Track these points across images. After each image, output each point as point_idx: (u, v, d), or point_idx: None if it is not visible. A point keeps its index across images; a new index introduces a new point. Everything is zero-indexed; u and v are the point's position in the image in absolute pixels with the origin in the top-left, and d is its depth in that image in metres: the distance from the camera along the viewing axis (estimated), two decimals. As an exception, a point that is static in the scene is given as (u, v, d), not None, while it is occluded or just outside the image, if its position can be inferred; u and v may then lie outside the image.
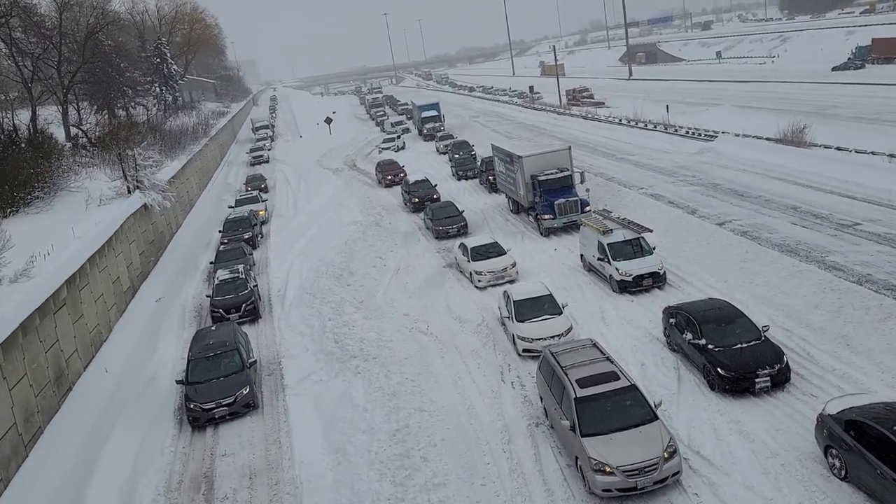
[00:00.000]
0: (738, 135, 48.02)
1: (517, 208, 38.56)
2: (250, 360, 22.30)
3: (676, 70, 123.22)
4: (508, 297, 23.68)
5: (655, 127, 58.98)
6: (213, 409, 20.34)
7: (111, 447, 19.36)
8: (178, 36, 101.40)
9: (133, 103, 66.83)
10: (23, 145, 37.21)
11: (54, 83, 50.71)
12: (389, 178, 51.05)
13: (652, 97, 79.40)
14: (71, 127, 51.21)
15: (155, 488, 17.74)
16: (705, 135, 51.60)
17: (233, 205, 47.50)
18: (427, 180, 44.96)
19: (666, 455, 14.75)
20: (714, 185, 37.58)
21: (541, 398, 18.66)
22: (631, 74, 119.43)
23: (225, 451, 19.20)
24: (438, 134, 68.45)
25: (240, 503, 16.82)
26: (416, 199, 42.56)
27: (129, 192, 36.07)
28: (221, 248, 36.29)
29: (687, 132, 54.22)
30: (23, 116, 45.98)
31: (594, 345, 18.58)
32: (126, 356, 25.49)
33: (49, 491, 17.40)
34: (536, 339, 21.61)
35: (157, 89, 79.20)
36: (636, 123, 62.56)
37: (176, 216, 45.05)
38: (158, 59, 79.75)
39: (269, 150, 79.14)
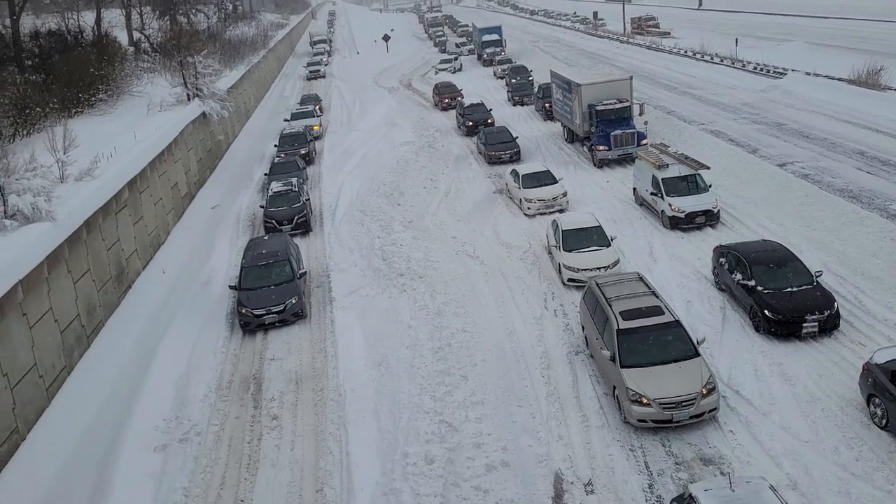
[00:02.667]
0: (808, 73, 45.88)
1: (572, 137, 37.92)
2: (300, 272, 22.86)
3: (750, 1, 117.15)
4: (557, 226, 23.61)
5: (722, 61, 56.71)
6: (264, 315, 21.05)
7: (167, 344, 20.32)
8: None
9: (194, 10, 66.81)
10: (88, 47, 37.73)
11: (118, -15, 50.93)
12: (447, 100, 50.35)
13: (721, 29, 76.00)
14: (134, 31, 51.64)
15: (207, 385, 18.63)
16: (774, 71, 49.46)
17: (288, 118, 47.72)
18: (482, 104, 44.37)
19: (704, 391, 14.86)
20: (778, 125, 36.26)
21: (582, 327, 18.83)
22: (701, 4, 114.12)
23: (273, 356, 19.97)
24: (497, 58, 66.94)
25: (286, 405, 17.58)
26: (470, 123, 42.12)
27: (189, 99, 36.52)
28: (276, 160, 36.75)
29: (755, 68, 52.03)
30: (87, 18, 46.47)
31: (641, 279, 18.53)
32: (182, 259, 26.42)
33: (109, 380, 18.49)
34: (582, 270, 21.63)
35: (218, -3, 78.84)
36: (702, 56, 60.23)
37: (233, 126, 45.58)
38: (219, -34, 79.11)
39: (326, 65, 78.75)
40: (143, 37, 52.02)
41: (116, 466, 15.29)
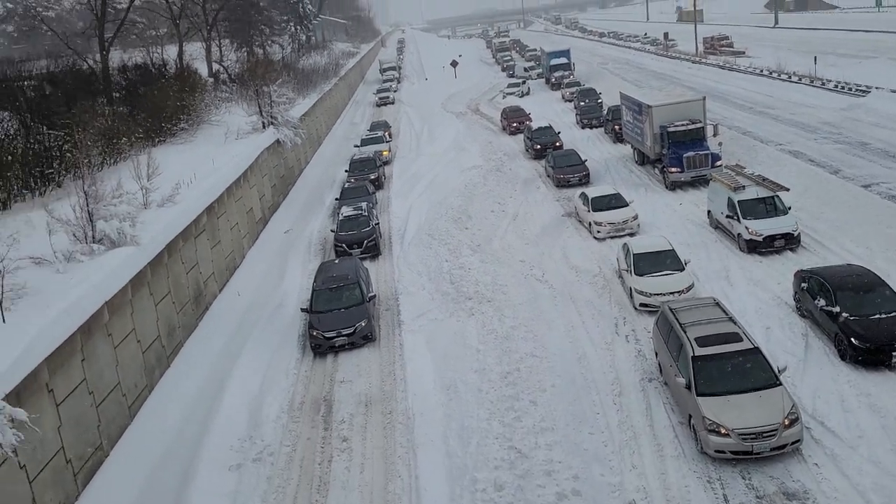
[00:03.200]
0: (894, 91, 44.05)
1: (643, 160, 37.37)
2: (370, 294, 23.13)
3: (828, 19, 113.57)
4: (628, 249, 23.21)
5: (800, 79, 55.08)
6: (334, 337, 21.34)
7: (241, 365, 20.80)
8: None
9: (269, 42, 69.20)
10: (171, 79, 39.48)
11: (199, 20, 53.27)
12: (515, 125, 50.37)
13: (798, 47, 73.82)
14: (213, 63, 53.84)
15: (279, 406, 18.95)
16: (856, 89, 47.69)
17: (358, 144, 48.64)
18: (550, 127, 44.25)
19: (786, 422, 14.23)
20: (862, 144, 34.86)
21: (656, 354, 18.37)
22: (777, 23, 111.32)
23: (343, 378, 20.18)
24: (565, 81, 66.75)
25: (356, 428, 17.70)
26: (538, 146, 42.02)
27: (264, 127, 37.68)
28: (347, 185, 37.45)
29: (836, 86, 50.32)
30: (170, 52, 48.70)
31: (717, 304, 17.99)
32: (256, 282, 27.12)
33: (187, 399, 19.03)
34: (655, 294, 21.15)
35: (292, 28, 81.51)
36: (778, 75, 58.65)
37: (305, 153, 46.78)
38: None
39: (395, 91, 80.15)
40: (221, 68, 54.16)
41: (194, 485, 15.66)
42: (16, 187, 23.16)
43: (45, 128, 26.21)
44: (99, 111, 31.28)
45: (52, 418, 14.29)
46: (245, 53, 59.77)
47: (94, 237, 18.94)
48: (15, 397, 12.73)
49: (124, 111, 34.18)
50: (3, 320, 14.31)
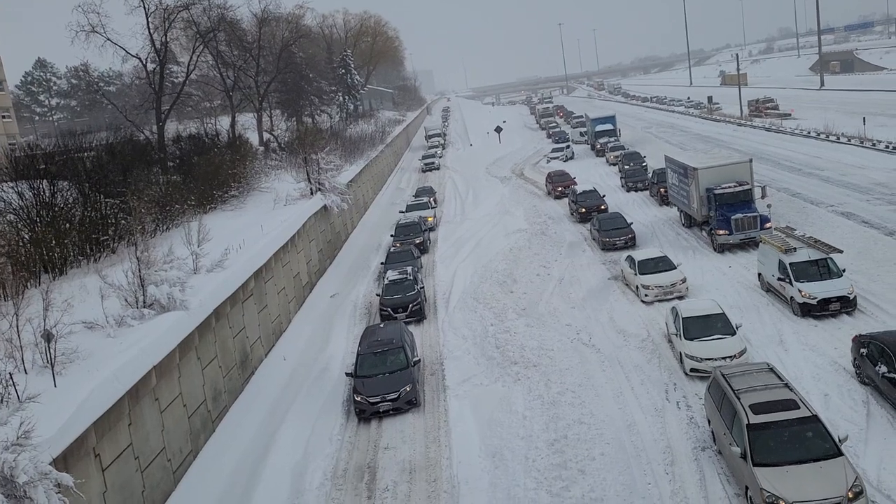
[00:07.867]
0: (950, 150, 43.09)
1: (689, 222, 36.96)
2: (414, 359, 23.01)
3: (876, 80, 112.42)
4: (677, 313, 22.73)
5: (849, 140, 54.23)
6: (379, 402, 21.18)
7: (285, 430, 20.75)
8: (361, 47, 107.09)
9: (318, 111, 71.39)
10: (223, 148, 40.86)
11: (251, 92, 55.41)
12: (560, 189, 50.52)
13: (846, 109, 73.11)
14: (264, 132, 55.66)
15: (323, 473, 18.74)
16: (909, 149, 46.73)
17: (403, 210, 49.29)
18: (595, 190, 44.29)
19: (850, 495, 13.48)
20: (918, 205, 33.94)
21: (708, 421, 17.75)
22: (823, 84, 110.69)
23: (387, 445, 19.91)
24: (610, 145, 66.99)
25: (399, 496, 17.36)
26: (583, 210, 42.00)
27: (312, 193, 38.51)
28: (392, 250, 37.82)
29: (887, 146, 49.36)
30: (223, 122, 50.61)
31: (771, 369, 17.37)
32: (302, 346, 27.25)
33: (231, 465, 18.98)
34: (706, 360, 20.56)
35: (341, 98, 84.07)
36: (827, 136, 57.91)
37: (351, 218, 47.54)
38: (343, 70, 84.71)
39: (440, 157, 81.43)
40: (272, 137, 55.94)
41: (234, 553, 15.46)
42: (72, 254, 23.95)
43: (101, 196, 27.17)
44: (153, 180, 32.39)
45: (98, 483, 14.34)
46: (294, 122, 61.70)
47: (144, 302, 19.33)
48: (62, 462, 12.84)
49: (178, 179, 35.36)
50: (55, 384, 14.58)
